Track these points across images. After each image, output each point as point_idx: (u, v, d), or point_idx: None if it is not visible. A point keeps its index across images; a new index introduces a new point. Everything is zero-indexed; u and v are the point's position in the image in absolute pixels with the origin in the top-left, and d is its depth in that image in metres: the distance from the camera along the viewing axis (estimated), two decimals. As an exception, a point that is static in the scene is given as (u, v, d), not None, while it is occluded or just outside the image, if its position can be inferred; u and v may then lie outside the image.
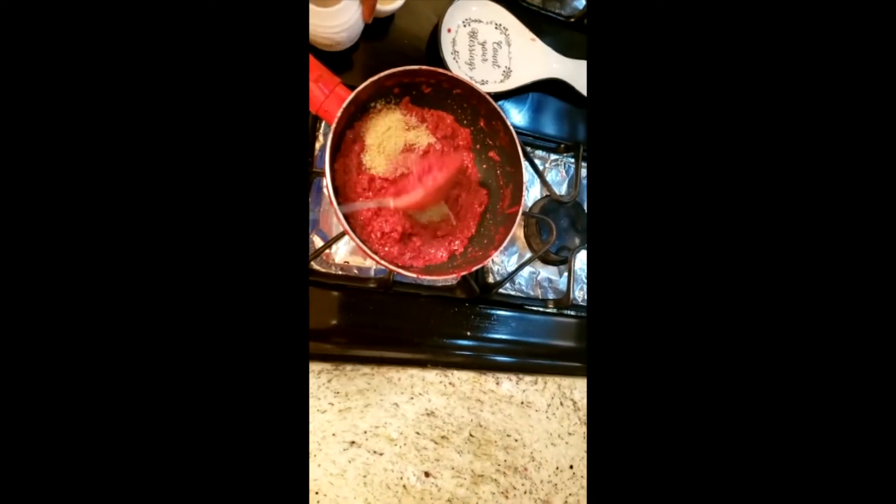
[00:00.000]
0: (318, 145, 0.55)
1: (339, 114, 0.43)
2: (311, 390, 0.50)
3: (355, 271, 0.56)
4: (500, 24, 0.63)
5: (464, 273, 0.48)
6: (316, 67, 0.44)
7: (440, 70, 0.49)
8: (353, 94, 0.44)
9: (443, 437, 0.54)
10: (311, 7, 0.47)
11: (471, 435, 0.55)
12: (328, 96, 0.44)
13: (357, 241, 0.44)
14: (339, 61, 0.56)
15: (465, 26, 0.62)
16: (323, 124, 0.55)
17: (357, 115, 0.51)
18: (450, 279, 0.58)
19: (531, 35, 0.64)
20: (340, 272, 0.55)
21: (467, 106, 0.54)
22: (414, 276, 0.46)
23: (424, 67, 0.49)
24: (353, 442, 0.50)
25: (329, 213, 0.55)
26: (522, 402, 0.59)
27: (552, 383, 0.61)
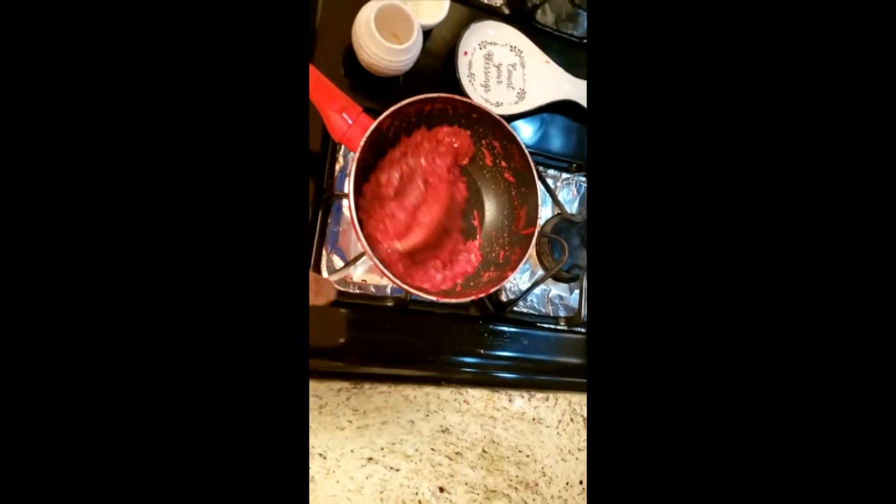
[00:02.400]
0: (337, 167, 0.56)
1: (362, 143, 0.45)
2: (330, 408, 0.51)
3: (372, 290, 0.57)
4: (515, 47, 0.65)
5: (482, 295, 0.50)
6: (339, 98, 0.46)
7: (458, 97, 0.51)
8: (375, 123, 0.46)
9: (457, 454, 0.55)
10: (386, 44, 0.51)
11: (484, 451, 0.57)
12: (351, 126, 0.45)
13: (378, 264, 0.46)
14: (361, 83, 0.57)
15: (480, 49, 0.63)
16: (343, 147, 0.57)
17: (378, 140, 0.53)
18: (464, 300, 0.59)
19: (545, 57, 0.65)
20: (358, 290, 0.56)
21: (482, 129, 0.56)
22: (433, 298, 0.48)
23: (443, 95, 0.50)
24: (370, 458, 0.51)
25: (348, 233, 0.56)
26: (534, 419, 0.60)
27: (563, 400, 0.62)
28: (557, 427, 0.61)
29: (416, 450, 0.53)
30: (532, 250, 0.65)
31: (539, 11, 0.68)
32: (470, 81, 0.62)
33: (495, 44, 0.64)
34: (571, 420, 0.62)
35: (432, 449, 0.54)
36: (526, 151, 0.54)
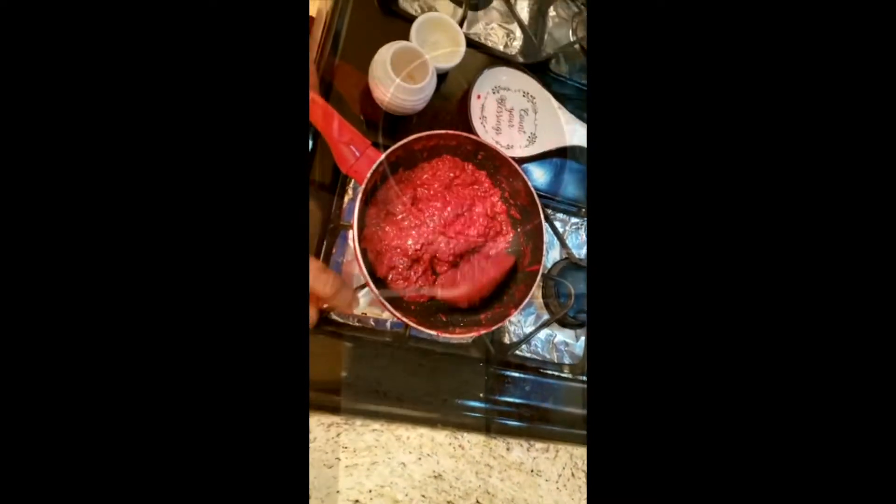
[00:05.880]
0: (346, 199, 0.57)
1: (368, 175, 0.45)
2: (319, 443, 0.49)
3: (372, 323, 0.56)
4: (528, 93, 0.66)
5: (483, 332, 0.48)
6: (347, 130, 0.47)
7: (465, 134, 0.52)
8: (382, 157, 0.46)
9: (448, 503, 0.52)
10: (401, 83, 0.53)
11: (477, 502, 0.53)
12: (358, 158, 0.46)
13: (380, 297, 0.45)
14: (375, 121, 0.59)
15: (494, 93, 0.65)
16: (353, 180, 0.58)
17: (386, 174, 0.53)
18: (466, 337, 0.58)
19: (557, 104, 0.66)
20: (357, 323, 0.55)
21: (490, 165, 0.56)
22: (433, 333, 0.47)
23: (451, 132, 0.51)
24: (357, 501, 0.49)
25: (352, 264, 0.56)
26: (532, 471, 0.57)
27: (564, 452, 0.59)
28: (557, 482, 0.58)
29: (406, 495, 0.51)
30: (537, 291, 0.64)
31: (553, 61, 0.70)
32: (482, 123, 0.63)
33: (508, 89, 0.65)
34: (573, 475, 0.58)
35: (423, 495, 0.51)
36: (532, 188, 0.54)
